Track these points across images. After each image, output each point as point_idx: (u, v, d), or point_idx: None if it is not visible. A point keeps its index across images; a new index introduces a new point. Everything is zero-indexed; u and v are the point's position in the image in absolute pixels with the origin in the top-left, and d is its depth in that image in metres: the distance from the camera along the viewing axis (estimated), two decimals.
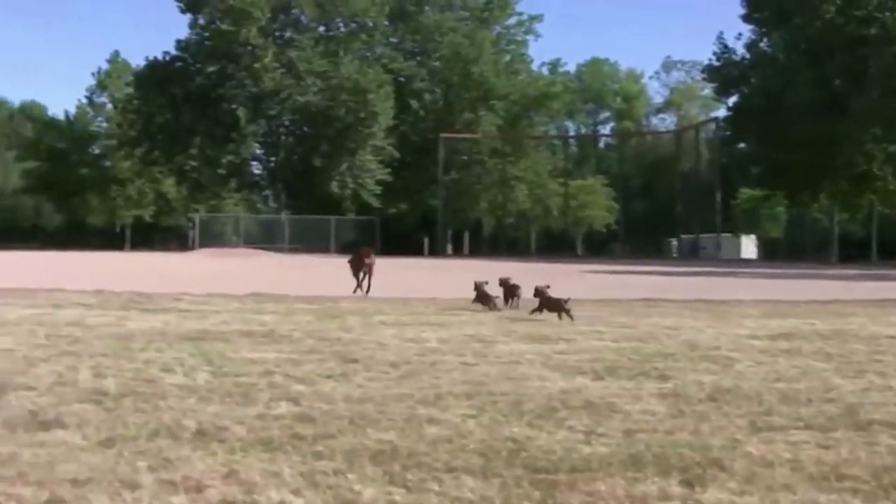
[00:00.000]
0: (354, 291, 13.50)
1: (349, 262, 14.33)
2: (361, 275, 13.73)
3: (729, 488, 3.42)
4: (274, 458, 3.69)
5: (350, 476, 3.47)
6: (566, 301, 9.62)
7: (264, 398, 4.91)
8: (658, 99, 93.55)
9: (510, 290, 11.21)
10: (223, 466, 3.56)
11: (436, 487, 3.36)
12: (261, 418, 4.41)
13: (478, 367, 6.20)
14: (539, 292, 10.04)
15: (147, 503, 3.18)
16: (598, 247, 70.71)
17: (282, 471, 3.51)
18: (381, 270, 14.87)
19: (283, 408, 4.66)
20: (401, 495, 3.28)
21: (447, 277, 19.16)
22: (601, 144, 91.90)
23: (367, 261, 13.96)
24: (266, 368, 5.96)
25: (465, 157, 64.85)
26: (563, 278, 20.49)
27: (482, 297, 10.96)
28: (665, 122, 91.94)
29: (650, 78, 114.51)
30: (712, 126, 63.61)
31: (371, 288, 13.75)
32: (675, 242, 65.38)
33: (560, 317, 9.48)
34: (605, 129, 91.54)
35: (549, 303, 9.78)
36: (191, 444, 3.89)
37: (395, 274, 20.65)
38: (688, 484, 3.44)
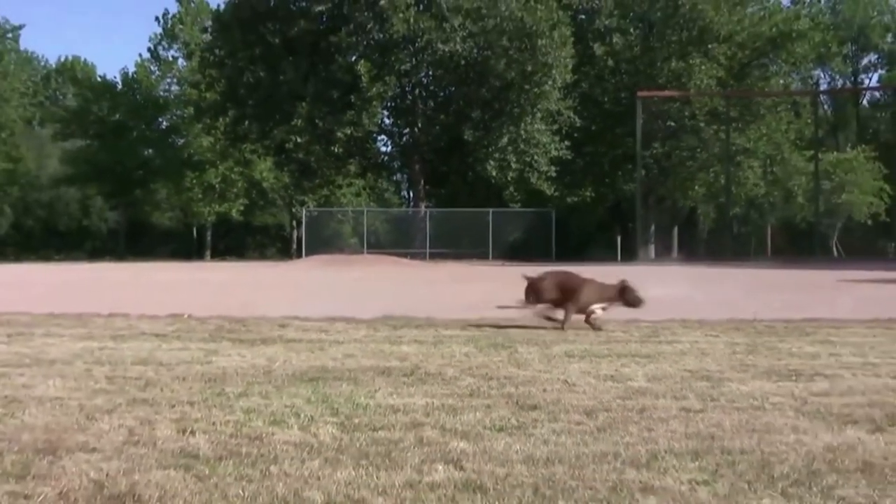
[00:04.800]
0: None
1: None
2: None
3: None
4: None
5: None
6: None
7: (413, 460, 4.21)
8: None
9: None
10: None
11: None
12: (410, 487, 3.79)
13: (705, 415, 5.16)
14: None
15: None
16: (863, 245, 53.95)
17: None
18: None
19: (441, 472, 4.00)
20: None
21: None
22: (865, 101, 70.12)
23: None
24: (413, 419, 5.06)
25: (673, 124, 48.97)
26: (819, 292, 16.99)
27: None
28: None
29: None
30: None
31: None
32: None
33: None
34: (872, 80, 70.80)
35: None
36: None
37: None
38: None
